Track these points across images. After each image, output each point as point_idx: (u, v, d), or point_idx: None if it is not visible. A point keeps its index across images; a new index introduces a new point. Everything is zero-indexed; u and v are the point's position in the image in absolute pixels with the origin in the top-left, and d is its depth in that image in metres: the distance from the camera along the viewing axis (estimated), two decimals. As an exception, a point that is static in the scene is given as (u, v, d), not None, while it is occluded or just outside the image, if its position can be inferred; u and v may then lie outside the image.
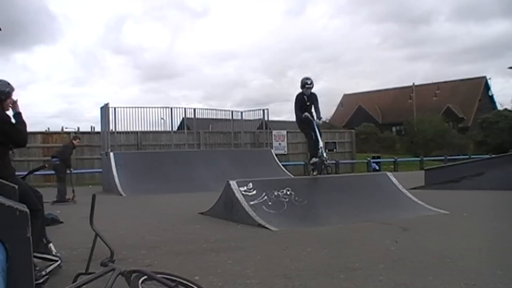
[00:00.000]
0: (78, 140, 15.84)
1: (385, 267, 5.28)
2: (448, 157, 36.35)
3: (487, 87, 60.18)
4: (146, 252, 6.50)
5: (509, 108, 53.87)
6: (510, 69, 46.74)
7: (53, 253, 5.58)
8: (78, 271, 4.10)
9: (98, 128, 25.15)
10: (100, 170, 22.15)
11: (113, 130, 22.03)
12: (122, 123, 22.84)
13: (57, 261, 5.24)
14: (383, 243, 6.73)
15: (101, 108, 21.58)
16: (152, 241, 7.42)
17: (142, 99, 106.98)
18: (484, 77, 60.31)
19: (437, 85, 60.02)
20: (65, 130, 30.32)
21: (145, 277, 3.32)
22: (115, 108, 21.97)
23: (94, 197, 3.83)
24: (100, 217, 4.25)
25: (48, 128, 29.17)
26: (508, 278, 4.80)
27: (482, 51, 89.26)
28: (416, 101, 54.17)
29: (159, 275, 3.43)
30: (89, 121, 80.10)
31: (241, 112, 26.50)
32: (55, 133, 26.93)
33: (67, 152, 14.94)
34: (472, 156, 34.57)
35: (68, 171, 14.98)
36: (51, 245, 5.80)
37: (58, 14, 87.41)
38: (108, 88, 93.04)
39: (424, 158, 36.86)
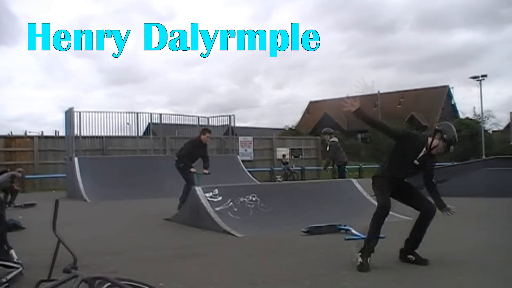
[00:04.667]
0: (207, 135, 12.44)
1: (349, 273, 5.32)
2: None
3: (449, 96, 61.41)
4: (110, 258, 6.44)
5: (470, 117, 55.07)
6: (471, 79, 47.86)
7: (14, 259, 5.47)
8: (40, 278, 4.03)
9: (62, 133, 24.82)
10: (64, 175, 21.85)
11: (78, 134, 21.74)
12: (86, 128, 22.56)
13: (18, 268, 5.14)
14: (347, 249, 6.78)
15: (66, 112, 21.28)
16: (116, 247, 7.35)
17: (107, 104, 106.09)
18: (447, 86, 61.51)
19: (401, 93, 60.94)
20: (28, 134, 29.87)
21: (109, 283, 3.28)
22: (80, 113, 21.70)
23: (57, 202, 3.78)
24: (63, 223, 4.19)
25: (11, 132, 28.70)
26: (471, 282, 4.89)
27: (445, 60, 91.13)
28: (381, 109, 54.84)
29: (123, 282, 3.39)
30: (52, 125, 78.59)
31: (207, 118, 26.44)
32: (18, 137, 26.53)
33: (183, 149, 12.48)
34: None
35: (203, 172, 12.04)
36: (12, 251, 5.69)
37: (19, 14, 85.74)
38: (72, 92, 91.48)
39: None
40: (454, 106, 61.64)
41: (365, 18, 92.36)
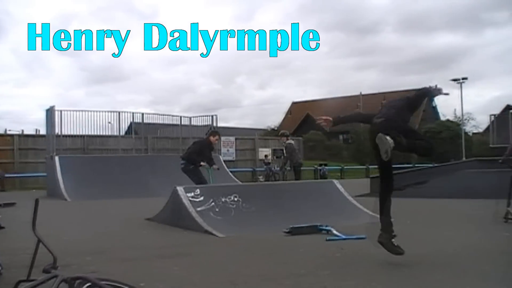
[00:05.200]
0: (217, 137, 12.38)
1: (331, 274, 5.35)
2: (393, 166, 37.11)
3: (431, 98, 61.79)
4: (91, 258, 6.39)
5: (451, 119, 55.62)
6: (452, 81, 48.30)
7: (-7, 259, 5.43)
8: (19, 278, 4.00)
9: (43, 131, 24.62)
10: (45, 174, 21.67)
11: (59, 133, 21.58)
12: (68, 127, 22.43)
13: (-3, 267, 5.10)
14: (329, 249, 6.81)
15: (47, 110, 21.13)
16: (97, 247, 7.30)
17: (88, 102, 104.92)
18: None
19: (384, 94, 61.24)
20: (8, 132, 29.58)
21: (89, 283, 3.26)
22: (61, 111, 21.55)
23: (37, 201, 3.74)
24: (43, 222, 4.16)
25: (-10, 130, 28.40)
26: (449, 283, 4.94)
27: (427, 63, 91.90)
28: (362, 110, 55.10)
29: (103, 282, 3.37)
30: (33, 123, 77.74)
31: (190, 118, 26.37)
32: (-2, 135, 26.27)
33: (191, 148, 12.24)
34: (416, 165, 35.38)
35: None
36: (-9, 251, 5.65)
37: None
38: (53, 90, 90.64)
39: (370, 166, 37.49)
40: (435, 108, 62.16)
41: (348, 19, 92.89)
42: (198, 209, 8.88)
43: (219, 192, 9.52)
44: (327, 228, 8.11)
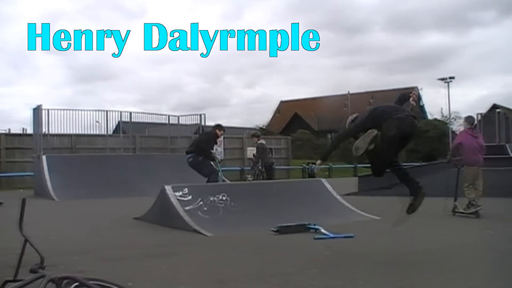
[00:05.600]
0: (222, 132, 12.39)
1: (318, 272, 5.37)
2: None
3: (418, 97, 62.09)
4: (78, 258, 6.37)
5: (438, 118, 55.91)
6: (439, 80, 48.60)
7: (-20, 259, 5.40)
8: (6, 278, 3.98)
9: (30, 130, 24.43)
10: (32, 173, 21.51)
11: (46, 132, 21.43)
12: (55, 126, 22.27)
13: (-17, 267, 5.06)
14: (316, 248, 6.83)
15: (34, 109, 20.95)
16: (84, 246, 7.28)
17: (76, 101, 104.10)
18: (416, 87, 62.25)
19: (371, 93, 61.49)
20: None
21: (77, 283, 3.25)
22: (48, 110, 21.40)
23: (24, 201, 3.73)
24: (30, 222, 4.13)
25: (-24, 130, 28.18)
26: (437, 281, 4.97)
27: (415, 62, 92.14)
28: (351, 109, 55.24)
29: (91, 282, 3.36)
30: (20, 122, 76.89)
31: (178, 117, 26.27)
32: (-16, 134, 26.02)
33: (200, 139, 12.29)
34: (403, 164, 35.52)
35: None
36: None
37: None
38: (40, 89, 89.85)
39: (358, 165, 37.58)
40: (422, 107, 62.40)
41: (336, 19, 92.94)
42: (186, 208, 8.87)
43: (207, 191, 9.51)
44: (315, 226, 8.13)
